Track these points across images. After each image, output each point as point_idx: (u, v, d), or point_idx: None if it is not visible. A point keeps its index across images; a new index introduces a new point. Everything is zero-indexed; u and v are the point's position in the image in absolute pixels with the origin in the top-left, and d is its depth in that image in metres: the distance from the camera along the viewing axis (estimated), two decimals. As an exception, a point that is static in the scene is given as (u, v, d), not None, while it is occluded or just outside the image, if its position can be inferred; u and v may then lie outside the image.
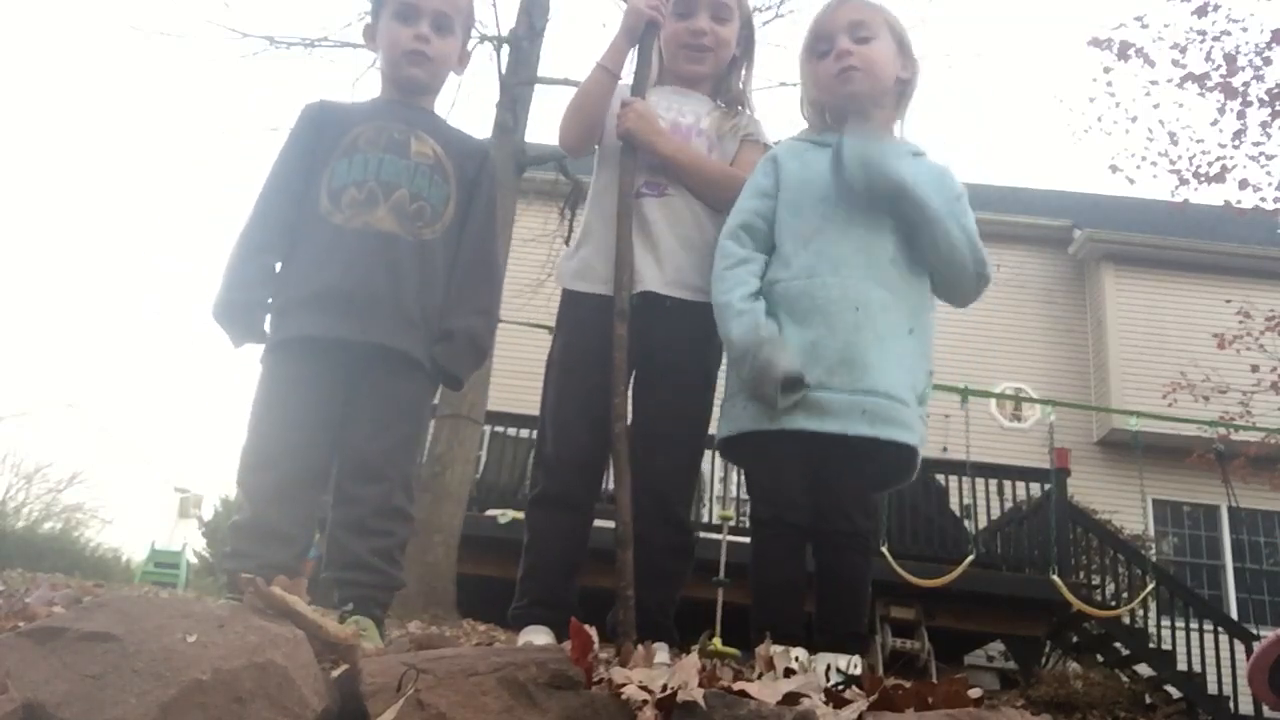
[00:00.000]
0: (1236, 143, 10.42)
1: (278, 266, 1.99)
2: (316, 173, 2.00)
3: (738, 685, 1.06)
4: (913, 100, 2.11)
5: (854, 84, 2.00)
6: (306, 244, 1.97)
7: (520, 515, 6.80)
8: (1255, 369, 10.74)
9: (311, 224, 1.97)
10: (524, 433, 8.22)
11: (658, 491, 1.99)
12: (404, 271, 1.93)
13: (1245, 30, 10.22)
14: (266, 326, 1.96)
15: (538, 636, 1.85)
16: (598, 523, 2.04)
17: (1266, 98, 10.15)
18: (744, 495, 7.80)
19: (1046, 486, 8.40)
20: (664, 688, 1.04)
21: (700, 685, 1.05)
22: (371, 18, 2.18)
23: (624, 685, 1.05)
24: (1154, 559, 9.64)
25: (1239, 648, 7.81)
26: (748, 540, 2.01)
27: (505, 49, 8.14)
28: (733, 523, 6.19)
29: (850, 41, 2.01)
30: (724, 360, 2.03)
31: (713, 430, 2.05)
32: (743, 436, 1.91)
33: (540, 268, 8.25)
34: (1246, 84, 10.20)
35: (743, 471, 2.10)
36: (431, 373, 1.98)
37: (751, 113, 2.26)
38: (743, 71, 2.29)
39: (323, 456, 1.92)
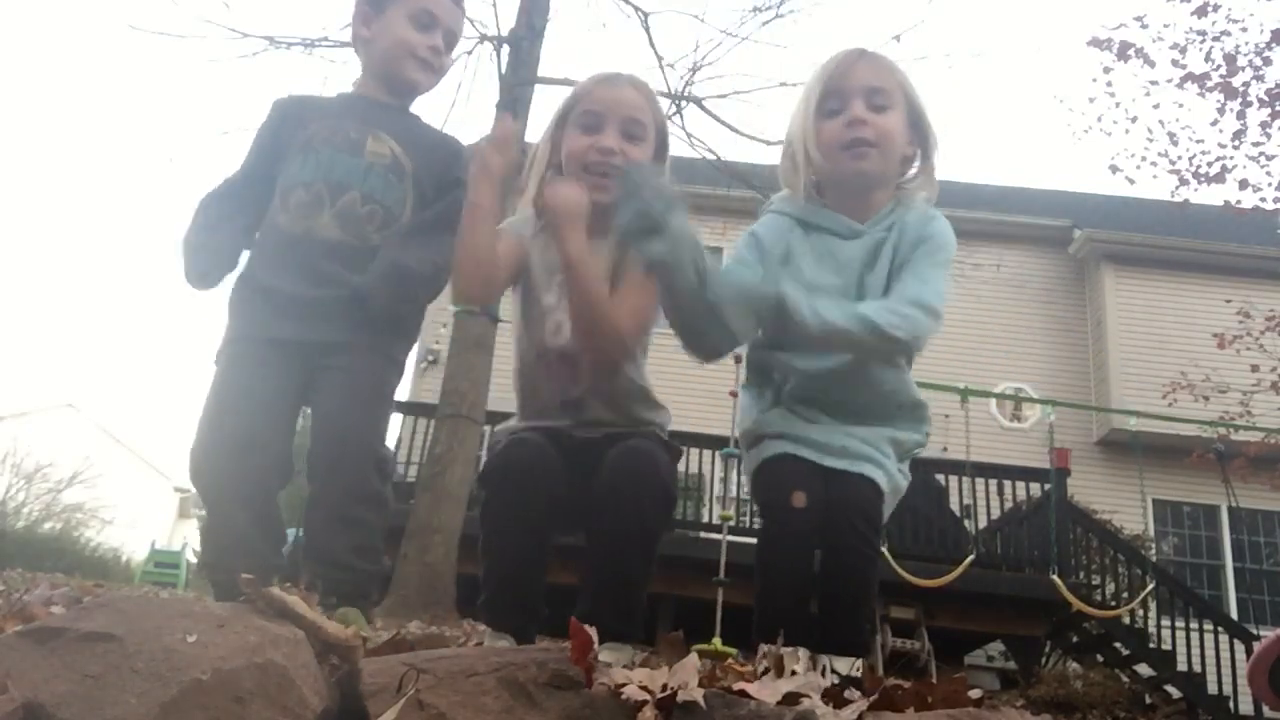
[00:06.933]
0: (1236, 143, 10.43)
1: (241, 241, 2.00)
2: (275, 168, 1.99)
3: (738, 685, 1.06)
4: (935, 172, 1.91)
5: (867, 161, 1.82)
6: (260, 239, 1.98)
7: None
8: (1255, 369, 10.74)
9: (267, 221, 1.97)
10: (524, 433, 8.19)
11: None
12: (347, 280, 1.88)
13: (1245, 30, 10.24)
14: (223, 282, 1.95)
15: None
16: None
17: (1266, 98, 10.16)
18: (744, 495, 7.82)
19: (1046, 486, 8.41)
20: (664, 687, 1.04)
21: (700, 685, 1.05)
22: (371, 8, 2.11)
23: (624, 685, 1.05)
24: (1154, 559, 9.64)
25: (1239, 648, 7.81)
26: (748, 540, 1.99)
27: (505, 49, 8.14)
28: (732, 523, 6.18)
29: (866, 108, 1.81)
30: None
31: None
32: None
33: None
34: (1246, 84, 10.20)
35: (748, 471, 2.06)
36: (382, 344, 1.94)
37: None
38: None
39: (282, 442, 1.89)
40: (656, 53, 8.73)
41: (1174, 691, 8.04)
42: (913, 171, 1.91)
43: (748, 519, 7.93)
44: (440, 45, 2.09)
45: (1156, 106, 14.37)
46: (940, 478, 8.48)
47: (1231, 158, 10.50)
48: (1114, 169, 11.34)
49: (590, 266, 1.75)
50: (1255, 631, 8.04)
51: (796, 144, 1.87)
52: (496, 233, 1.80)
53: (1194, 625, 8.05)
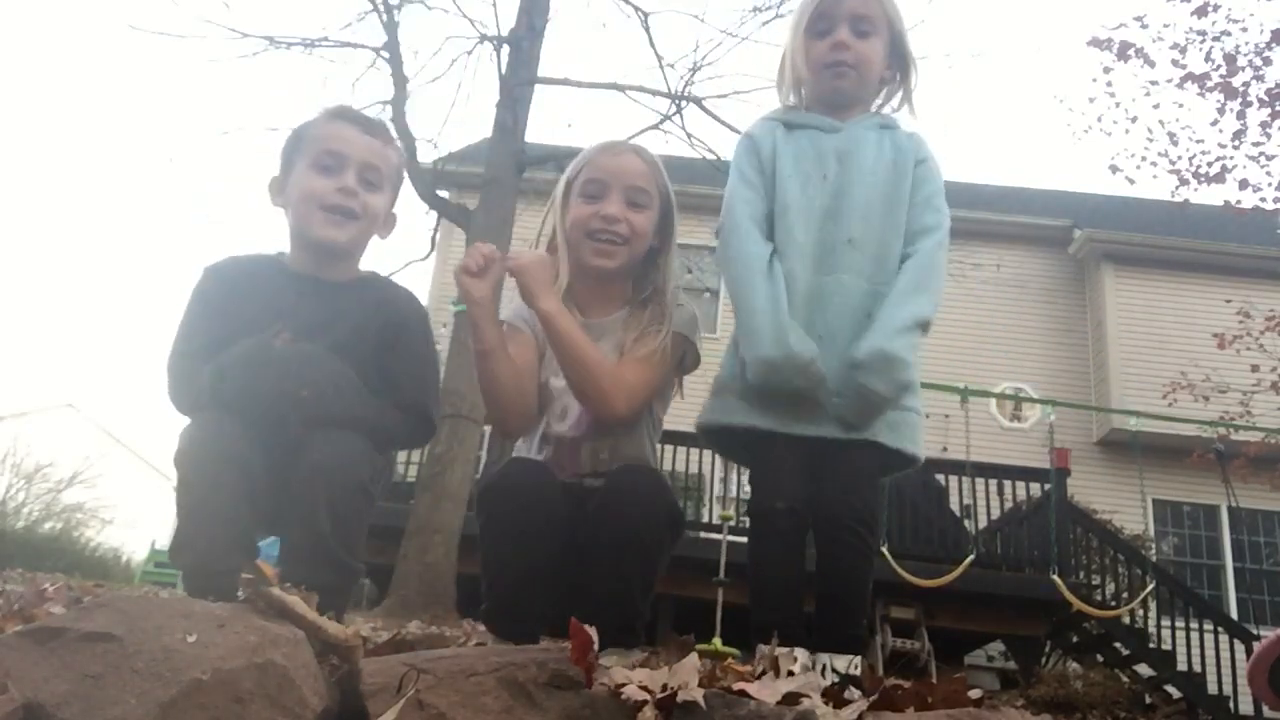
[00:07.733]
0: (1236, 143, 10.44)
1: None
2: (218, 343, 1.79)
3: (738, 685, 1.06)
4: (914, 90, 2.10)
5: (844, 81, 2.01)
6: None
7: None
8: (1255, 369, 10.76)
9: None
10: (524, 433, 8.19)
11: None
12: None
13: (1245, 30, 10.25)
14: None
15: None
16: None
17: (1266, 98, 10.16)
18: (744, 495, 7.82)
19: (1046, 486, 8.40)
20: (664, 687, 1.04)
21: (700, 685, 1.05)
22: (281, 173, 1.90)
23: (624, 685, 1.05)
24: (1154, 559, 9.64)
25: (1239, 648, 7.81)
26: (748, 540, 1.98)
27: (505, 49, 8.14)
28: (733, 523, 6.18)
29: (850, 33, 1.99)
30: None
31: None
32: (732, 430, 1.88)
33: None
34: (1246, 84, 10.21)
35: (745, 470, 2.06)
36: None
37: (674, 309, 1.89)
38: (663, 268, 1.93)
39: (261, 466, 1.74)
40: (656, 53, 8.75)
41: (1174, 691, 8.03)
42: (889, 95, 2.11)
43: (747, 519, 7.92)
44: (351, 185, 1.83)
45: (1156, 106, 14.39)
46: (940, 478, 8.48)
47: (1231, 158, 10.52)
48: (1114, 169, 11.36)
49: (569, 320, 1.76)
50: (1255, 631, 8.04)
51: (787, 58, 2.08)
52: (514, 367, 1.79)
53: (1194, 625, 8.05)
